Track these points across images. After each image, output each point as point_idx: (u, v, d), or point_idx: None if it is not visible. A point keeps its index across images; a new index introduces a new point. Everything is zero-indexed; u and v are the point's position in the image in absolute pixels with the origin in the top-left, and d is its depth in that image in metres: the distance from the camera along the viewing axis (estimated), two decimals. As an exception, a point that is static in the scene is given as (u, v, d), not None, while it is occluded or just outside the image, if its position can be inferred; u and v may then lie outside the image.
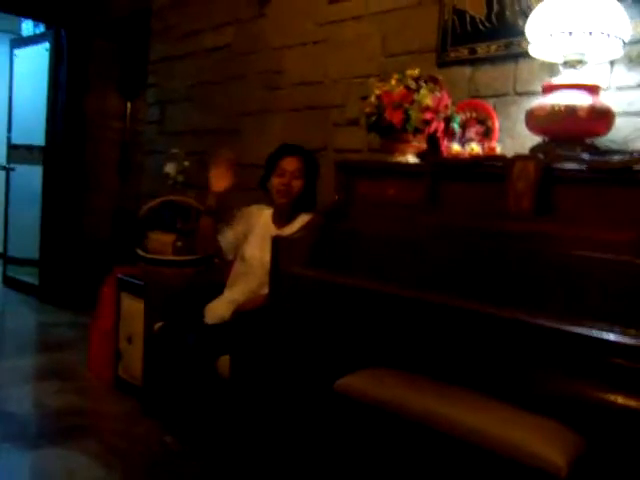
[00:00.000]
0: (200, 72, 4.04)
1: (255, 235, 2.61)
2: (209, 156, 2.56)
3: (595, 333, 1.41)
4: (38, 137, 5.12)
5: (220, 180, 2.50)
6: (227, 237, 2.62)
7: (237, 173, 2.55)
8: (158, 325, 2.63)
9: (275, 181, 2.56)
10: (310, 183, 2.58)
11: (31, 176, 5.20)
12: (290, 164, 2.55)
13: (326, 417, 1.86)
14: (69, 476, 2.33)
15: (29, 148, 5.26)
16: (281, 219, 2.59)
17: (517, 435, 1.44)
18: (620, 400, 1.36)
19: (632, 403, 1.34)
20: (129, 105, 4.86)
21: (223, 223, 2.61)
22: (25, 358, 3.72)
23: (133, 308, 3.13)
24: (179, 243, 3.06)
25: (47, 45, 5.06)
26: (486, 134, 2.30)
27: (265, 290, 2.21)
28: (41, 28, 5.36)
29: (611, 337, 1.39)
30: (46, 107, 5.03)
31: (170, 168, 3.42)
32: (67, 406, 2.97)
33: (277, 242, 2.12)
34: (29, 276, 5.29)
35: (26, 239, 5.27)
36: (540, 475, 1.38)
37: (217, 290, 2.63)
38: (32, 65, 5.29)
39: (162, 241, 3.10)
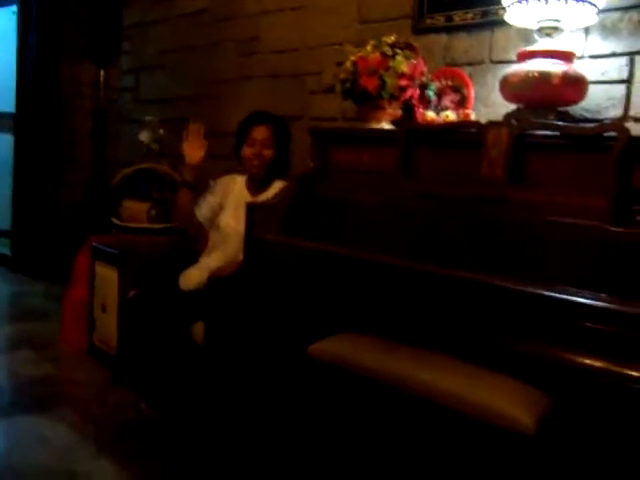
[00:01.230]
0: (175, 38, 3.97)
1: (229, 204, 2.59)
2: (183, 126, 2.53)
3: (567, 296, 1.43)
4: (8, 104, 5.00)
5: (194, 152, 2.49)
6: (203, 210, 2.60)
7: (210, 143, 2.53)
8: (132, 293, 2.62)
9: (246, 150, 2.53)
10: (282, 150, 2.56)
11: (1, 144, 5.08)
12: (260, 133, 2.52)
13: (300, 382, 1.87)
14: (43, 443, 2.32)
15: (-1, 115, 5.14)
16: (255, 187, 2.57)
17: (486, 396, 1.47)
18: (589, 362, 1.39)
19: (599, 364, 1.37)
20: (102, 73, 4.76)
21: (199, 195, 2.59)
22: (-2, 328, 3.69)
23: (107, 276, 3.10)
24: (153, 211, 3.03)
25: (14, 8, 4.92)
26: (461, 102, 2.29)
27: (241, 257, 2.20)
28: (8, -10, 5.20)
29: (582, 300, 1.41)
30: (16, 73, 4.90)
31: (145, 136, 3.37)
32: (41, 375, 2.95)
33: (251, 209, 2.11)
34: (1, 247, 5.21)
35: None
36: (509, 434, 1.41)
37: (192, 258, 2.62)
38: (-1, 29, 5.15)
39: (136, 209, 3.07)
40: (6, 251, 5.13)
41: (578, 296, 1.42)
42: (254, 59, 3.40)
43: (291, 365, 1.90)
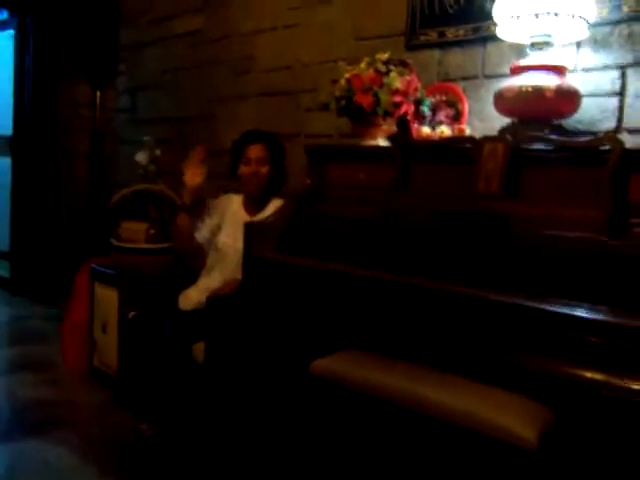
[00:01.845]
0: (171, 58, 4.00)
1: (227, 224, 2.60)
2: (182, 147, 2.55)
3: (566, 310, 1.44)
4: (5, 127, 5.02)
5: (194, 176, 2.49)
6: (202, 232, 2.61)
7: (207, 162, 2.54)
8: (132, 313, 2.62)
9: (243, 170, 2.55)
10: (277, 167, 2.58)
11: (-2, 167, 5.11)
12: (255, 152, 2.54)
13: (302, 399, 1.87)
14: (44, 467, 2.31)
15: (-4, 138, 5.16)
16: (253, 206, 2.58)
17: (488, 412, 1.46)
18: (590, 375, 1.39)
19: (601, 377, 1.37)
20: (99, 94, 4.79)
21: (198, 218, 2.59)
22: (-2, 351, 3.68)
23: (107, 297, 3.10)
24: (152, 231, 3.03)
25: (11, 32, 4.95)
26: (456, 117, 2.31)
27: (239, 276, 2.20)
28: (4, 14, 5.24)
29: (581, 314, 1.42)
30: (12, 96, 4.93)
31: (141, 157, 3.37)
32: (42, 398, 2.94)
33: (249, 228, 2.11)
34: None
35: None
36: (512, 449, 1.40)
37: (191, 278, 2.62)
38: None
39: (135, 230, 3.07)
40: (5, 274, 5.13)
41: (577, 310, 1.43)
42: (249, 78, 3.42)
43: (293, 383, 1.90)
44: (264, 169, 2.53)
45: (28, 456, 2.39)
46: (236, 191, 2.65)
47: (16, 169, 4.96)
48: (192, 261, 2.70)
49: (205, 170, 2.50)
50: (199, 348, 2.26)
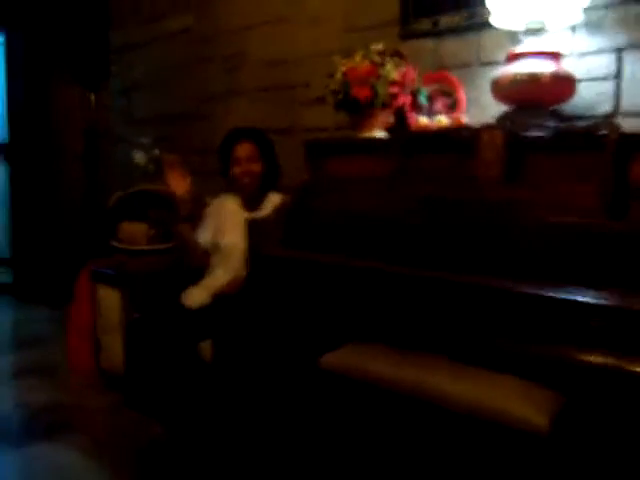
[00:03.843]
0: (163, 57, 3.99)
1: (228, 225, 2.58)
2: (175, 145, 2.54)
3: (570, 296, 1.44)
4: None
5: (179, 186, 2.49)
6: (205, 237, 2.61)
7: (204, 160, 2.54)
8: (136, 314, 2.62)
9: (235, 170, 2.54)
10: (269, 160, 2.57)
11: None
12: (243, 150, 2.53)
13: (311, 394, 1.87)
14: (57, 471, 2.32)
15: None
16: (251, 203, 2.57)
17: (501, 401, 1.47)
18: (598, 359, 1.39)
19: (609, 361, 1.38)
20: (93, 96, 4.78)
21: (198, 222, 2.60)
22: (4, 356, 3.68)
23: (110, 299, 3.10)
24: (152, 231, 3.04)
25: (1, 38, 4.94)
26: (453, 106, 2.31)
27: (244, 273, 2.21)
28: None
29: (586, 299, 1.43)
30: (6, 103, 4.92)
31: (139, 158, 3.38)
32: (50, 402, 2.95)
33: (251, 225, 2.12)
34: (2, 275, 5.21)
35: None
36: (523, 435, 1.41)
37: (194, 276, 2.62)
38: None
39: (135, 231, 3.08)
40: (7, 279, 5.13)
41: (582, 294, 1.43)
42: (242, 74, 3.41)
43: (302, 378, 1.91)
44: (256, 167, 2.53)
45: (40, 461, 2.41)
46: (231, 191, 2.64)
47: (13, 176, 4.96)
48: (198, 263, 2.70)
49: (187, 176, 2.49)
50: (206, 346, 2.26)
